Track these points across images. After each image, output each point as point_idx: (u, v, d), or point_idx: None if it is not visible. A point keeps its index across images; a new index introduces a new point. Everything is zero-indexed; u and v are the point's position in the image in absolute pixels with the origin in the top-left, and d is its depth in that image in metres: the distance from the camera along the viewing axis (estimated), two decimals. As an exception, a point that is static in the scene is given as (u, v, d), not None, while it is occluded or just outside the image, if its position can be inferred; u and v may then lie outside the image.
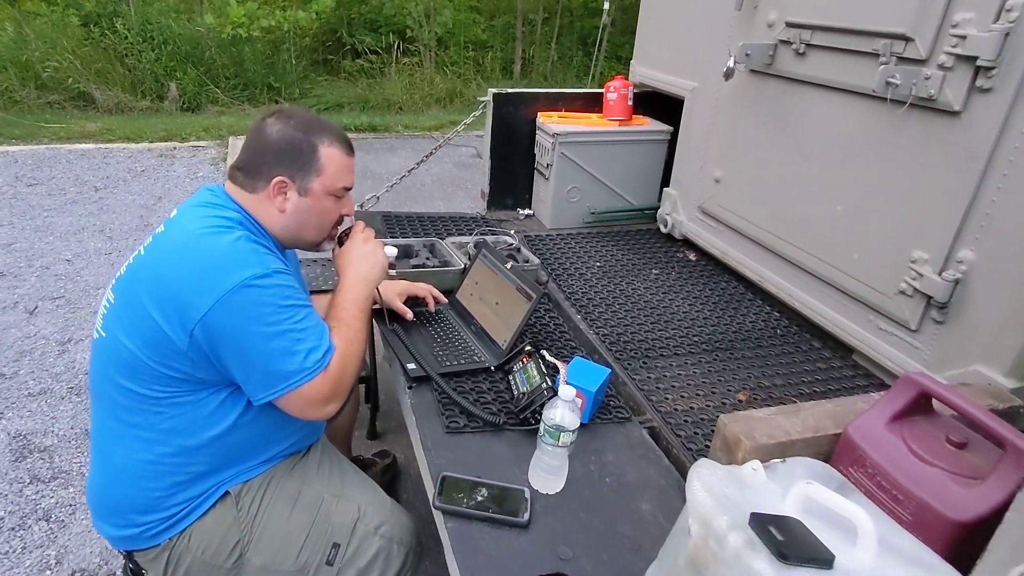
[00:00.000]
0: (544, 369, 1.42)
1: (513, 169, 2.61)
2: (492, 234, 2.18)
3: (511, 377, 1.44)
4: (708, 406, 1.52)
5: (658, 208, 2.53)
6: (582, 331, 1.78)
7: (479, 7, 9.12)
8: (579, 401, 1.16)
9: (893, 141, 1.53)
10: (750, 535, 0.81)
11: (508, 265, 1.64)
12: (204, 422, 1.20)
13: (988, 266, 1.37)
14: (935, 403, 1.09)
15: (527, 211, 2.62)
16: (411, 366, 1.45)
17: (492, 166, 2.58)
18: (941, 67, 1.38)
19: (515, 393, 1.38)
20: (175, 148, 5.53)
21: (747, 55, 1.82)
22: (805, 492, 0.91)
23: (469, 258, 1.92)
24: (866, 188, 1.62)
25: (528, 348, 1.49)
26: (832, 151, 1.71)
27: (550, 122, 2.45)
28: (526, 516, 1.12)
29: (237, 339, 1.12)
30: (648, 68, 2.54)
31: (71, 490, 2.04)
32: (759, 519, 0.86)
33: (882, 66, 1.44)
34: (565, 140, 2.38)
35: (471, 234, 2.18)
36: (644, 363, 1.67)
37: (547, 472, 1.20)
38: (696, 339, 1.80)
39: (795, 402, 1.55)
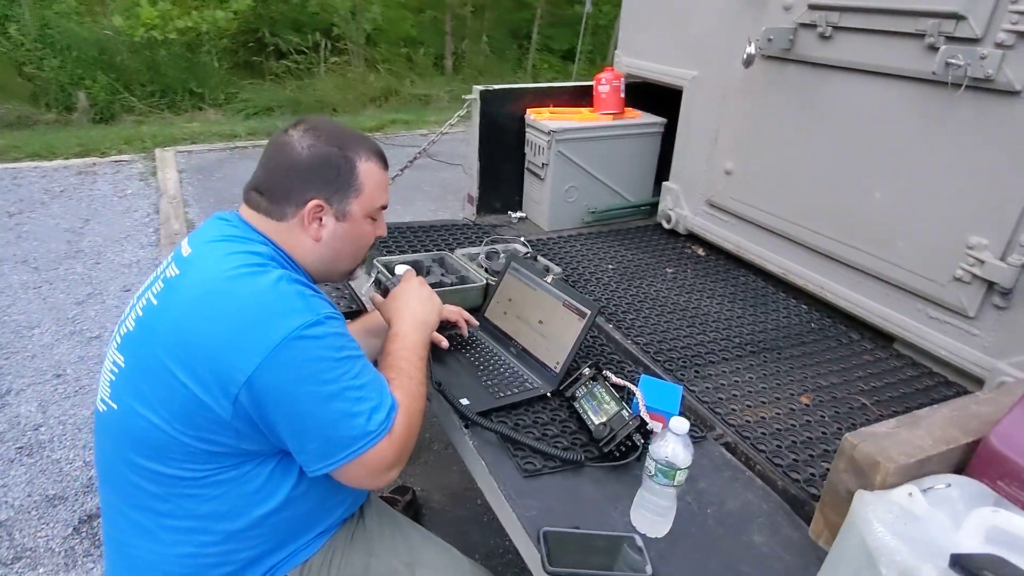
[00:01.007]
0: (615, 392, 1.28)
1: (501, 170, 2.44)
2: (501, 242, 2.01)
3: (576, 404, 1.29)
4: (777, 414, 1.42)
5: (655, 203, 2.44)
6: (619, 341, 1.65)
7: (406, 2, 8.82)
8: (682, 430, 1.02)
9: (942, 124, 1.47)
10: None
11: (548, 279, 1.48)
12: (251, 499, 0.99)
13: (1055, 248, 1.33)
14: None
15: (519, 214, 2.46)
16: (465, 401, 1.27)
17: (481, 168, 2.41)
18: (1000, 45, 1.32)
19: (589, 424, 1.23)
20: (95, 164, 5.00)
21: (769, 40, 1.73)
22: (990, 521, 0.81)
23: (487, 271, 1.76)
24: (910, 174, 1.56)
25: (587, 370, 1.35)
26: (868, 137, 1.64)
27: (542, 119, 2.30)
28: (649, 569, 0.98)
29: (290, 403, 0.92)
30: (637, 58, 2.43)
31: (40, 570, 1.74)
32: (962, 561, 0.76)
33: (941, 46, 1.37)
34: (561, 137, 2.24)
35: (478, 244, 2.01)
36: (696, 372, 1.55)
37: (656, 514, 1.06)
38: (738, 341, 1.70)
39: (861, 401, 1.48)
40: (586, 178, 2.35)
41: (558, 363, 1.39)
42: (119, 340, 1.01)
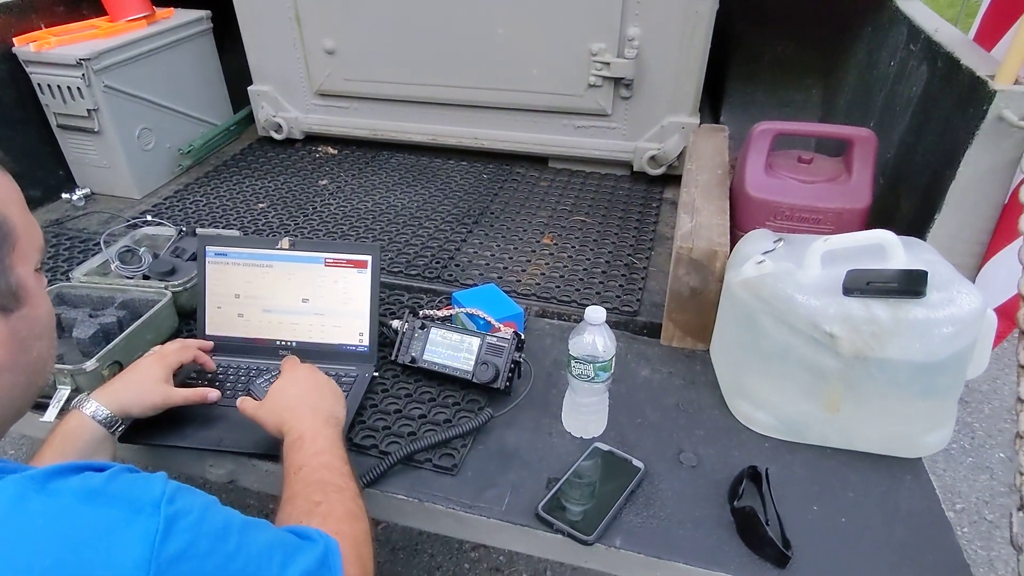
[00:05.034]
0: (455, 326, 1.06)
1: (14, 139, 1.57)
2: (113, 239, 1.35)
3: (424, 362, 1.03)
4: (545, 264, 1.41)
5: (250, 115, 1.96)
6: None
7: None
8: (599, 319, 0.92)
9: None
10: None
11: (285, 244, 1.07)
12: None
13: (652, 35, 1.55)
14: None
15: (82, 192, 1.67)
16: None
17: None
18: None
19: (460, 374, 1.01)
20: None
21: None
22: (822, 248, 0.97)
23: (148, 277, 1.18)
24: (523, 3, 1.57)
25: (403, 321, 1.08)
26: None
27: (50, 48, 1.50)
28: (640, 464, 0.91)
29: None
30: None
31: None
32: (849, 284, 0.89)
33: None
34: (102, 65, 1.52)
35: (78, 255, 1.30)
36: (457, 264, 1.40)
37: (588, 413, 0.97)
38: (453, 221, 1.58)
39: (580, 219, 1.58)
40: (155, 113, 1.70)
41: (362, 334, 1.07)
42: None
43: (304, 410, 0.81)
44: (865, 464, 0.93)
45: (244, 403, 0.86)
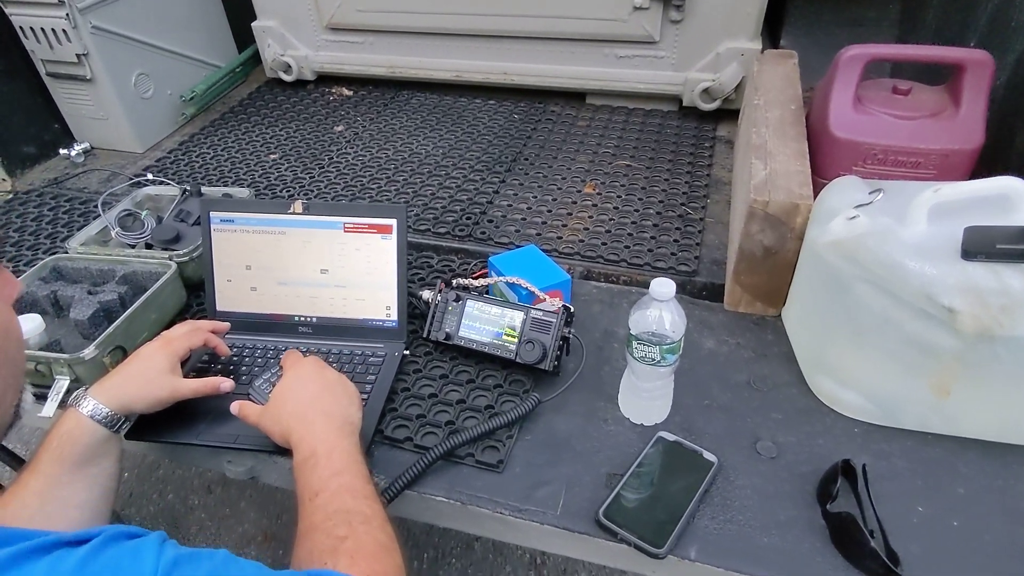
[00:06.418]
0: (494, 297, 0.94)
1: None
2: (113, 201, 1.23)
3: (462, 339, 0.91)
4: (589, 217, 1.26)
5: (256, 54, 1.80)
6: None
7: None
8: (668, 294, 0.78)
9: None
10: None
11: (298, 207, 0.94)
12: None
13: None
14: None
15: (80, 147, 1.54)
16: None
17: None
18: None
19: (503, 352, 0.89)
20: None
21: None
22: (933, 200, 0.81)
23: (151, 247, 1.07)
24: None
25: (435, 292, 0.96)
26: None
27: (28, -15, 1.35)
28: (713, 457, 0.79)
29: None
30: None
31: None
32: (969, 246, 0.74)
33: None
34: (88, 3, 1.36)
35: (82, 220, 1.19)
36: (490, 221, 1.26)
37: (649, 399, 0.84)
38: (482, 168, 1.43)
39: (625, 163, 1.42)
40: (152, 56, 1.55)
41: (389, 307, 0.95)
42: None
43: (315, 417, 0.70)
44: (976, 453, 0.80)
45: (244, 409, 0.75)
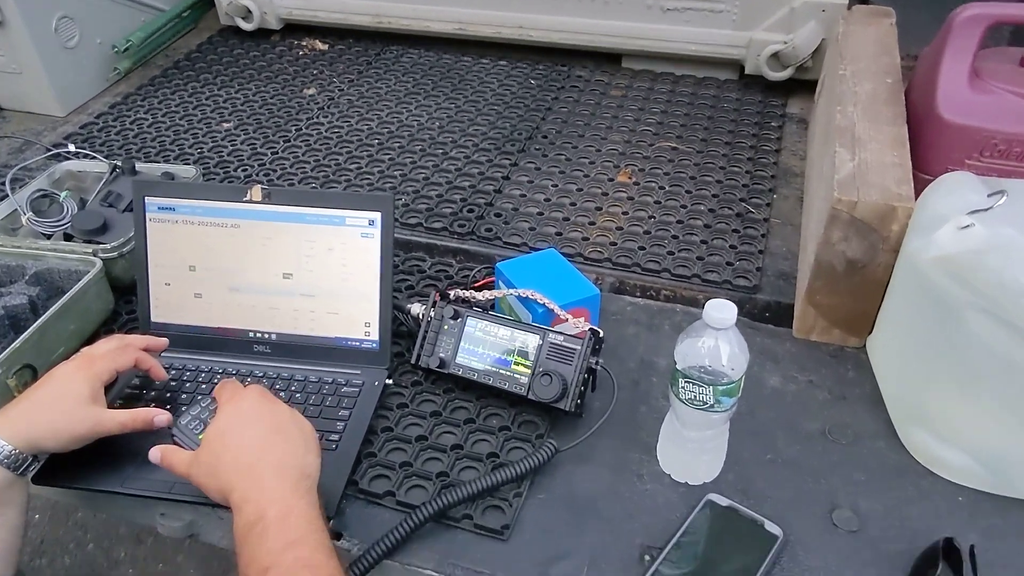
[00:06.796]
0: (497, 316, 0.94)
1: None
2: (25, 175, 1.24)
3: (459, 368, 0.91)
4: (624, 214, 1.26)
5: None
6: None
7: None
8: (727, 322, 0.77)
9: None
10: None
11: (256, 194, 0.93)
12: None
13: None
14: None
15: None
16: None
17: None
18: None
19: (515, 388, 0.88)
20: None
21: None
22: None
23: (68, 231, 1.08)
24: None
25: (426, 307, 0.95)
26: None
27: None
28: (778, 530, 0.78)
29: None
30: None
31: None
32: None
33: None
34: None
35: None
36: (497, 214, 1.26)
37: (695, 453, 0.84)
38: (491, 146, 1.44)
39: (669, 146, 1.42)
40: (77, -4, 1.57)
41: (369, 324, 0.94)
42: None
43: (263, 471, 0.68)
44: (1115, 534, 0.79)
45: (169, 457, 0.73)
